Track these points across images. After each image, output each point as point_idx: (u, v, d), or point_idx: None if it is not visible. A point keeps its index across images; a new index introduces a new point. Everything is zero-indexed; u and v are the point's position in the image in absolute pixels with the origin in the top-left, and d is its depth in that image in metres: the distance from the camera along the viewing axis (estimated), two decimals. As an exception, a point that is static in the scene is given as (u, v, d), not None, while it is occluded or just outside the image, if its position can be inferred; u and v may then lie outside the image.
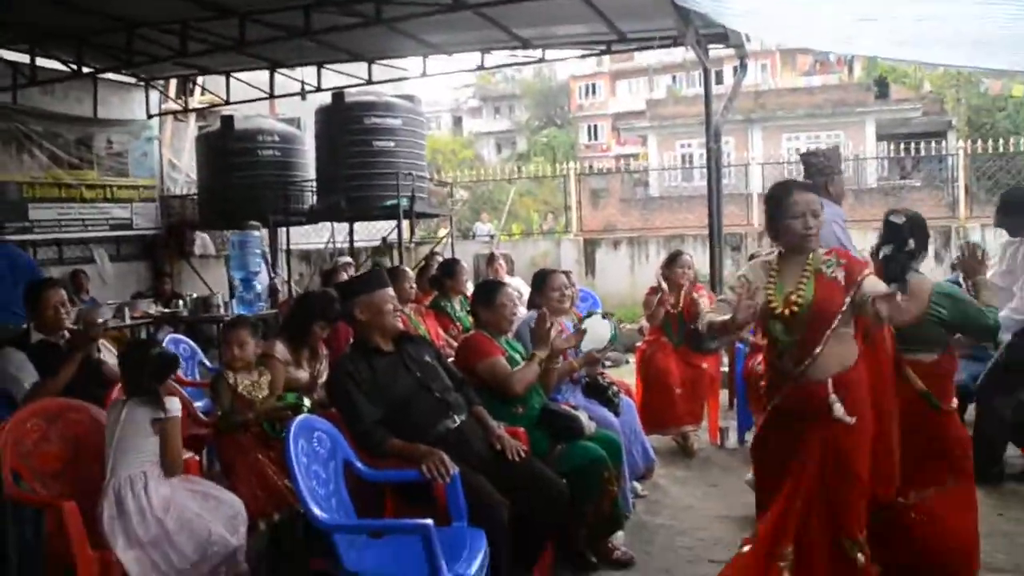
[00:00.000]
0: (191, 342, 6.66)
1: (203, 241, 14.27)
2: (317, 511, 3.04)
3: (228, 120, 12.35)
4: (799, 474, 3.22)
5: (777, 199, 3.37)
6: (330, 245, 13.99)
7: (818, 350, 3.20)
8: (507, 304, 4.43)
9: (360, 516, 3.47)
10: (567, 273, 5.46)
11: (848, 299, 3.19)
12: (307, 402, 4.22)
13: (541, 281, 5.10)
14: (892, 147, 18.28)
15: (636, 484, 5.26)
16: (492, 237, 16.18)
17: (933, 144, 17.74)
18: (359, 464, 3.52)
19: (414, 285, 6.31)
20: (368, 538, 3.39)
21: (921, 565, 3.71)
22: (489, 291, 4.49)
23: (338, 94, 11.27)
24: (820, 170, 4.92)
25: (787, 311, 3.24)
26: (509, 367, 4.24)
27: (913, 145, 17.12)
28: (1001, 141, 14.60)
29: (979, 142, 15.07)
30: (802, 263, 3.31)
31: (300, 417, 3.40)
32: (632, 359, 6.51)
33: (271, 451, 4.00)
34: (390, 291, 3.85)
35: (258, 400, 4.12)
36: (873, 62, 25.73)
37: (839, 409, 3.16)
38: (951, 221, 13.57)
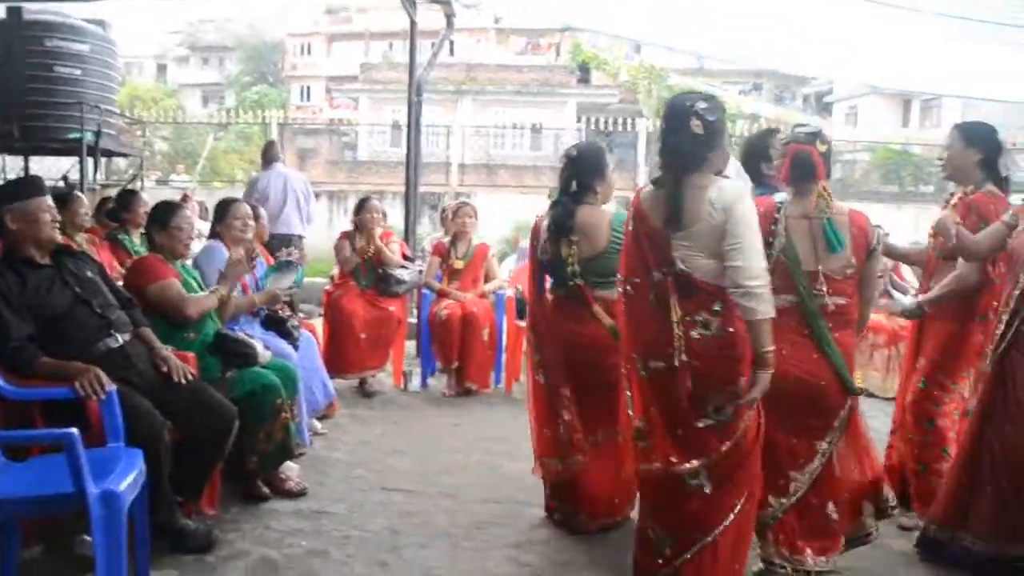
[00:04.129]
0: None
1: None
2: (-56, 422, 2.79)
3: None
4: None
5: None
6: (0, 180, 12.68)
7: None
8: (183, 227, 4.28)
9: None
10: (254, 207, 5.34)
11: None
12: None
13: (223, 210, 4.91)
14: (592, 127, 20.25)
15: (316, 423, 5.30)
16: (188, 185, 15.47)
17: (623, 126, 19.74)
18: (2, 382, 3.27)
19: (89, 212, 5.90)
20: (8, 461, 3.17)
21: None
22: (164, 213, 4.29)
23: (13, 9, 10.14)
24: None
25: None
26: (184, 290, 4.12)
27: (609, 126, 19.25)
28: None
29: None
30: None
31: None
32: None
33: None
34: (48, 200, 3.56)
35: None
36: (578, 48, 27.05)
37: None
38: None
